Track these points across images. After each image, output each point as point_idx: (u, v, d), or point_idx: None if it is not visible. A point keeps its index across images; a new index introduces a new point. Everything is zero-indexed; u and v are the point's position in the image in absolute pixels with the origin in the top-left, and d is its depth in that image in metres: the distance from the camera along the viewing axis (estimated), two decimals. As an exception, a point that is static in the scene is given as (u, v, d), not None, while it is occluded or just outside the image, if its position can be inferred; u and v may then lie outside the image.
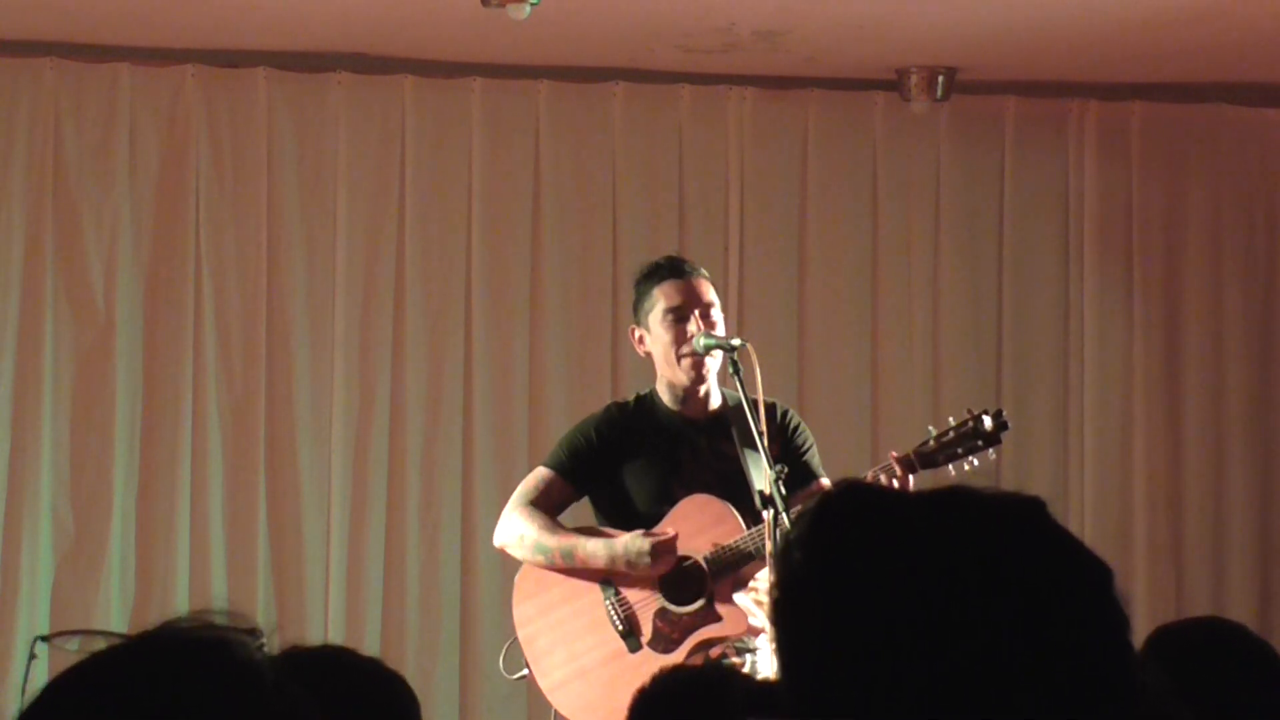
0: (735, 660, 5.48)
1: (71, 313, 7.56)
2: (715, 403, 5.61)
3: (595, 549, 5.48)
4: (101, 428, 7.53)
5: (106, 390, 7.54)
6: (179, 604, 7.49)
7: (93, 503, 7.51)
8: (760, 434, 5.29)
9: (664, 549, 5.44)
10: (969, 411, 5.51)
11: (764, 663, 5.52)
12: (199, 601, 7.53)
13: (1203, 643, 2.93)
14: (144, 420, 7.57)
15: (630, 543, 5.45)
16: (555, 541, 5.52)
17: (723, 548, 5.43)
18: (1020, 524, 1.59)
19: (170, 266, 7.64)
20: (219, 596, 7.54)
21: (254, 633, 1.63)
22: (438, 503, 7.74)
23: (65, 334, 7.55)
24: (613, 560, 5.47)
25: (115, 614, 7.41)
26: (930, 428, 5.49)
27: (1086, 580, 1.58)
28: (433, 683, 7.52)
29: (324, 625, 7.57)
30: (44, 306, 7.53)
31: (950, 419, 5.50)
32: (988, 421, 5.45)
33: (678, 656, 5.43)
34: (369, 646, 7.28)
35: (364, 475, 7.70)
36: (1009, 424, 5.54)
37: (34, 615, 7.45)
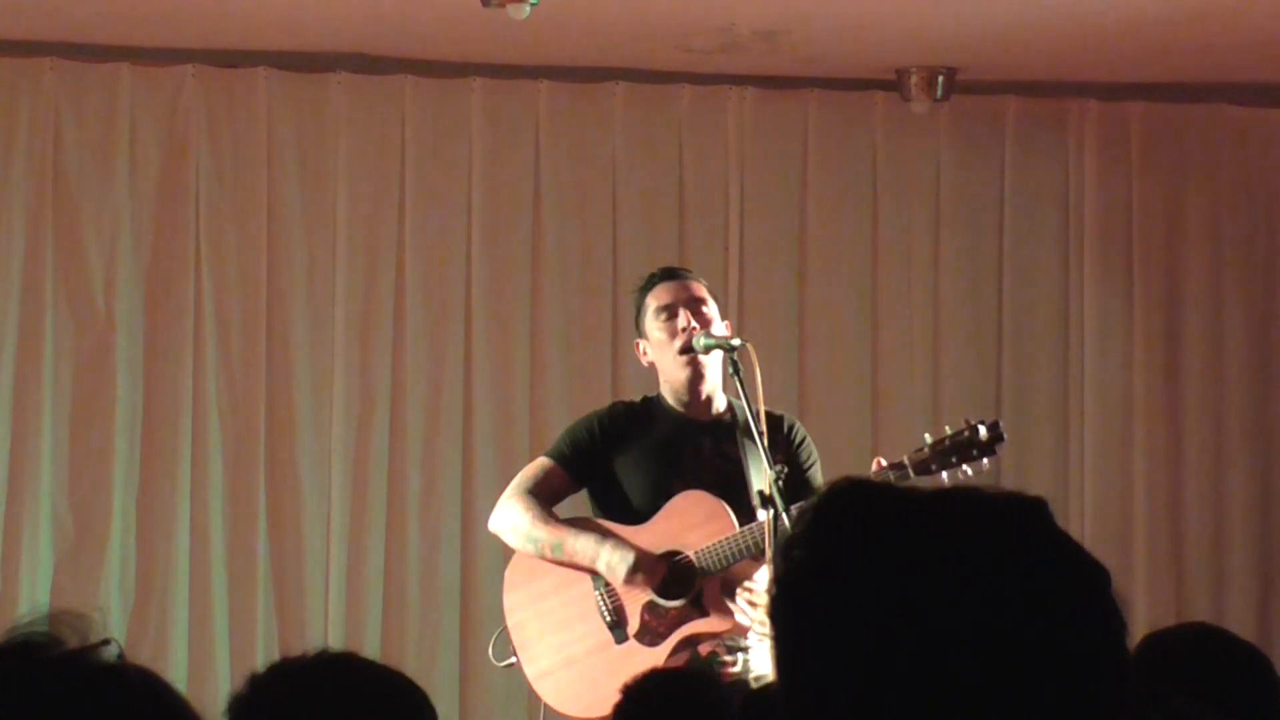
0: (726, 659, 5.51)
1: (71, 313, 7.55)
2: (720, 406, 5.66)
3: (582, 547, 5.55)
4: (101, 428, 7.52)
5: (106, 390, 7.53)
6: (179, 604, 7.49)
7: (93, 503, 7.50)
8: (760, 434, 5.32)
9: (645, 567, 5.47)
10: (966, 421, 5.53)
11: (756, 661, 5.55)
12: (199, 600, 7.52)
13: (1192, 649, 2.93)
14: (144, 420, 7.56)
15: (614, 551, 5.50)
16: (546, 533, 5.58)
17: (713, 545, 5.46)
18: (1019, 525, 1.59)
19: (170, 266, 7.64)
20: (219, 596, 7.54)
21: (106, 642, 1.65)
22: (438, 503, 7.74)
23: (65, 334, 7.54)
24: (594, 562, 5.53)
25: (115, 614, 7.40)
26: (926, 435, 5.50)
27: (1084, 583, 1.58)
28: (433, 682, 7.50)
29: (324, 625, 7.56)
30: (44, 306, 7.52)
31: (947, 428, 5.51)
32: (983, 432, 5.47)
33: (663, 650, 5.48)
34: (369, 646, 7.29)
35: (364, 475, 7.69)
36: (1005, 435, 5.54)
37: (33, 615, 7.43)
